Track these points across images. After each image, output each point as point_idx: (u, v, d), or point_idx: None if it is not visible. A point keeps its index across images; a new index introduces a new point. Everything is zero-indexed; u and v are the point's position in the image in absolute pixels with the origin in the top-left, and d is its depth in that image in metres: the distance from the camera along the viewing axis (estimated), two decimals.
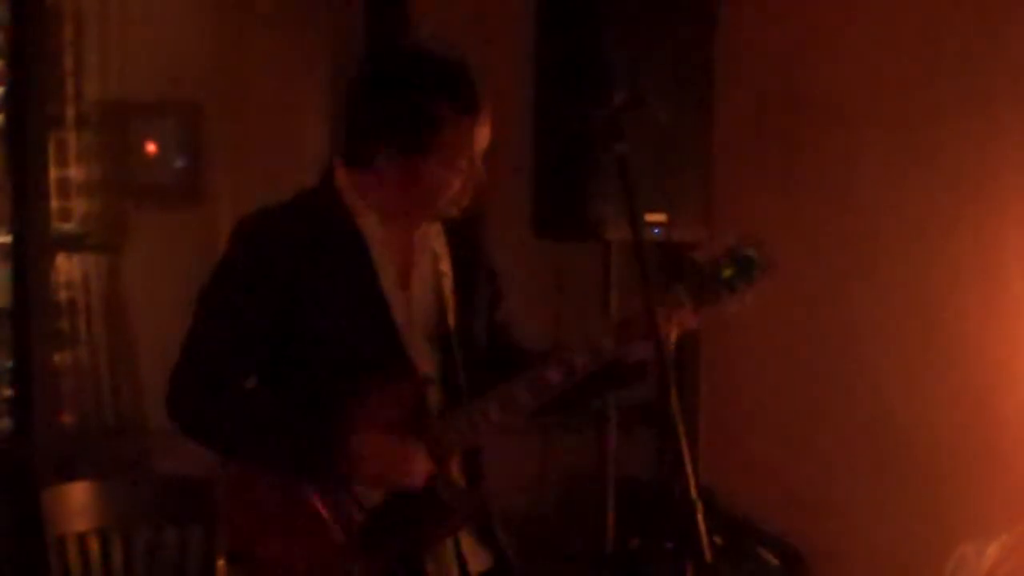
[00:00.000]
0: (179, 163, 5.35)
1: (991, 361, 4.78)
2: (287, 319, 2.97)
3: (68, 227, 5.03)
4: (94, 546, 3.46)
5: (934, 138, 4.85)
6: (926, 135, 4.87)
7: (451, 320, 3.10)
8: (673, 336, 2.99)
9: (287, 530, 2.97)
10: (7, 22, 4.66)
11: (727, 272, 3.04)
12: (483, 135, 3.02)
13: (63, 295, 5.00)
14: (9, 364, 4.73)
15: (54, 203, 4.89)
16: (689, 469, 2.74)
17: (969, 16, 4.81)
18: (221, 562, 3.09)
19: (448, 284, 3.13)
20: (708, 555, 2.73)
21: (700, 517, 2.73)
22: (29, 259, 4.63)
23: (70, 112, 5.02)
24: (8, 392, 4.74)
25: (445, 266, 3.14)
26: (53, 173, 4.87)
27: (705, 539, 2.74)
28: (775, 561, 4.99)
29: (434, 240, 3.14)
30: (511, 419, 3.04)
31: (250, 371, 3.04)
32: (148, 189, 5.33)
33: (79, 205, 5.06)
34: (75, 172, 5.03)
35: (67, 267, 5.02)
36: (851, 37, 5.05)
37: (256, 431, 2.98)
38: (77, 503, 3.48)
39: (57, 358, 4.93)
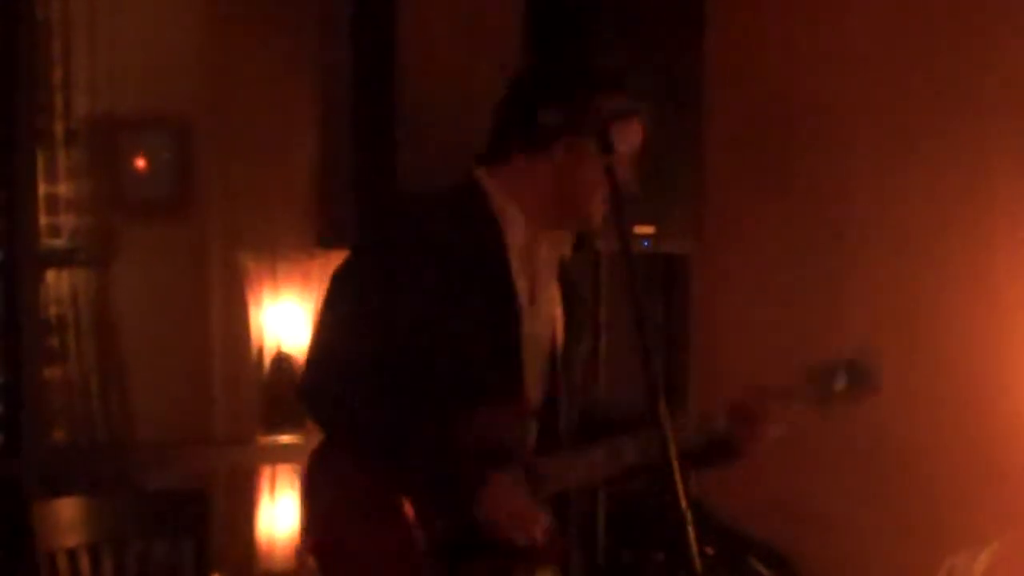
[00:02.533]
0: (168, 178, 5.34)
1: (982, 368, 4.78)
2: (427, 319, 2.93)
3: (57, 243, 5.02)
4: (84, 561, 3.46)
5: (925, 146, 4.86)
6: (918, 142, 4.88)
7: (559, 360, 3.09)
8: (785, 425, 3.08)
9: (370, 524, 2.94)
10: None
11: (840, 383, 3.19)
12: (638, 137, 3.08)
13: (53, 311, 4.99)
14: None
15: (43, 219, 4.88)
16: (679, 479, 2.74)
17: (961, 23, 4.82)
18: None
19: (560, 327, 3.12)
20: (699, 566, 2.73)
21: (691, 528, 2.73)
22: (18, 275, 4.62)
23: (59, 128, 5.02)
24: None
25: (558, 311, 3.13)
26: (42, 189, 4.86)
27: (696, 550, 2.74)
28: (766, 571, 4.98)
29: (552, 276, 3.12)
30: (612, 472, 3.03)
31: (387, 363, 2.94)
32: (138, 204, 5.32)
33: (68, 221, 5.05)
34: (64, 188, 5.03)
35: (56, 283, 5.02)
36: (842, 45, 5.06)
37: (398, 440, 2.92)
38: (67, 518, 3.47)
39: (47, 374, 4.92)
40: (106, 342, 5.13)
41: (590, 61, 3.16)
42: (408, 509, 2.91)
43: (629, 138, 3.06)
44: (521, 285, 3.04)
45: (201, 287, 5.21)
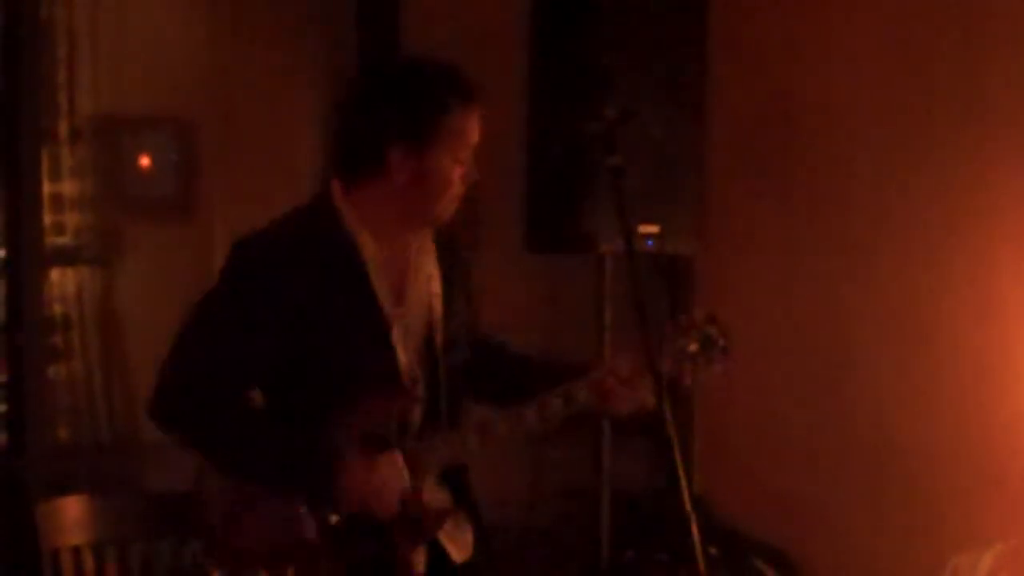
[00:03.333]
0: (172, 177, 5.35)
1: (985, 369, 4.78)
2: (287, 339, 3.04)
3: (62, 241, 5.02)
4: (89, 560, 3.45)
5: (928, 148, 4.85)
6: (920, 144, 4.88)
7: (439, 339, 3.19)
8: (631, 406, 3.14)
9: (262, 519, 3.05)
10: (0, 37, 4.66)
11: (693, 347, 3.23)
12: (478, 127, 3.13)
13: (57, 309, 4.99)
14: (3, 379, 4.72)
15: (48, 217, 4.89)
16: (683, 481, 2.75)
17: (962, 26, 4.81)
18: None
19: (438, 304, 3.21)
20: (703, 566, 2.74)
21: (695, 528, 2.74)
22: (23, 273, 4.62)
23: (63, 126, 5.02)
24: (2, 407, 4.73)
25: (436, 286, 3.22)
26: (47, 187, 4.87)
27: (700, 550, 2.75)
28: (770, 572, 4.99)
29: (427, 260, 3.22)
30: (487, 448, 3.13)
31: (245, 385, 3.10)
32: (142, 203, 5.33)
33: (73, 219, 5.06)
34: (69, 186, 5.03)
35: (61, 281, 5.02)
36: (845, 47, 5.06)
37: (246, 448, 3.07)
38: (71, 517, 3.47)
39: (51, 372, 4.92)
40: (110, 340, 5.14)
41: (433, 61, 3.13)
42: (298, 505, 3.03)
43: (474, 130, 3.13)
44: (383, 290, 3.12)
45: (204, 285, 5.21)
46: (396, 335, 3.13)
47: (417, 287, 3.19)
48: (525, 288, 5.09)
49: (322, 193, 3.17)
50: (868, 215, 5.01)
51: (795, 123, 5.14)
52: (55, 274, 5.00)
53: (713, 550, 4.74)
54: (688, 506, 2.74)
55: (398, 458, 3.05)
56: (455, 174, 3.11)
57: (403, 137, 3.06)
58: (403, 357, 3.13)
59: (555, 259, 4.84)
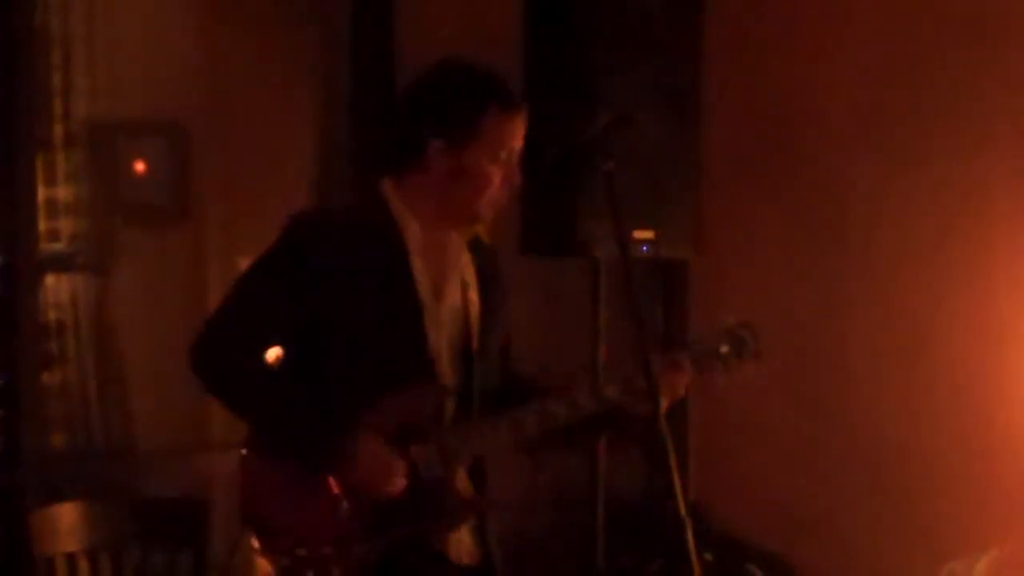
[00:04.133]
0: (168, 182, 5.34)
1: (981, 376, 4.78)
2: (322, 306, 3.15)
3: (57, 247, 5.01)
4: (83, 567, 3.45)
5: (924, 153, 4.86)
6: (916, 149, 4.88)
7: (474, 344, 3.29)
8: (665, 401, 3.13)
9: (299, 500, 3.13)
10: None
11: (724, 348, 3.33)
12: (520, 133, 3.27)
13: (52, 316, 4.98)
14: None
15: (42, 223, 4.87)
16: (678, 487, 2.75)
17: (959, 32, 4.82)
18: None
19: (475, 311, 3.31)
20: (698, 572, 2.74)
21: (690, 535, 2.74)
22: (17, 279, 4.61)
23: (58, 132, 5.01)
24: None
25: (474, 295, 3.32)
26: (41, 193, 4.85)
27: (695, 557, 2.75)
28: None
29: (465, 268, 3.33)
30: (517, 440, 3.24)
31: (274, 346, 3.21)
32: (137, 209, 5.32)
33: (67, 225, 5.05)
34: (63, 192, 5.02)
35: (56, 287, 5.01)
36: (841, 52, 5.06)
37: (272, 410, 3.17)
38: (66, 524, 3.47)
39: (45, 378, 4.91)
40: (105, 347, 5.12)
41: (479, 65, 3.27)
42: (332, 483, 3.11)
43: (514, 135, 3.26)
44: (423, 282, 3.24)
45: (200, 292, 5.20)
46: (429, 322, 3.22)
47: (453, 289, 3.29)
48: (520, 292, 5.07)
49: (371, 190, 3.30)
50: (864, 222, 5.01)
51: (791, 128, 5.14)
52: (50, 280, 4.98)
53: (708, 556, 4.74)
54: (683, 512, 2.75)
55: (429, 445, 3.15)
56: (494, 174, 3.22)
57: (442, 134, 3.18)
58: (436, 345, 3.23)
59: (550, 263, 4.83)
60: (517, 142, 3.27)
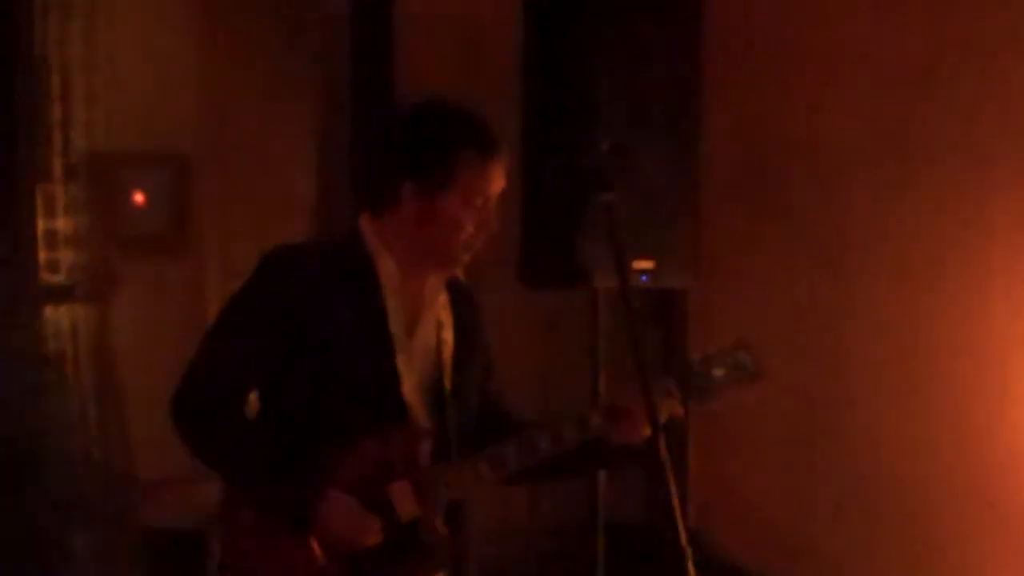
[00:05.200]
0: (167, 214, 5.35)
1: (981, 401, 4.79)
2: (297, 346, 3.08)
3: (56, 279, 5.02)
4: None
5: (922, 177, 4.87)
6: (914, 173, 4.89)
7: (447, 383, 3.22)
8: (646, 428, 3.08)
9: (274, 551, 3.07)
10: None
11: (719, 371, 3.26)
12: (498, 180, 3.16)
13: (51, 346, 4.99)
14: None
15: (42, 255, 4.89)
16: (678, 515, 2.75)
17: (958, 50, 4.83)
18: None
19: (448, 351, 3.25)
20: None
21: (690, 564, 2.74)
22: (17, 310, 4.62)
23: (57, 164, 5.02)
24: None
25: (448, 335, 3.26)
26: (41, 225, 4.87)
27: None
28: None
29: (440, 308, 3.26)
30: (498, 477, 3.17)
31: (248, 388, 3.14)
32: (136, 240, 5.33)
33: (67, 256, 5.06)
34: (63, 224, 5.03)
35: (55, 318, 5.02)
36: (837, 80, 5.07)
37: (243, 464, 3.11)
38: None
39: (45, 408, 4.91)
40: (105, 377, 5.13)
41: (458, 107, 3.18)
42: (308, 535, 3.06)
43: (490, 181, 3.15)
44: (396, 320, 3.17)
45: (199, 321, 5.20)
46: (401, 360, 3.17)
47: (427, 329, 3.23)
48: (520, 322, 5.09)
49: (352, 224, 3.24)
50: (862, 250, 5.02)
51: (789, 158, 5.15)
52: (49, 311, 4.99)
53: None
54: (684, 540, 2.74)
55: (405, 486, 3.09)
56: (466, 221, 3.13)
57: (414, 176, 3.12)
58: (407, 383, 3.17)
59: (549, 293, 4.84)
60: (495, 188, 3.16)
